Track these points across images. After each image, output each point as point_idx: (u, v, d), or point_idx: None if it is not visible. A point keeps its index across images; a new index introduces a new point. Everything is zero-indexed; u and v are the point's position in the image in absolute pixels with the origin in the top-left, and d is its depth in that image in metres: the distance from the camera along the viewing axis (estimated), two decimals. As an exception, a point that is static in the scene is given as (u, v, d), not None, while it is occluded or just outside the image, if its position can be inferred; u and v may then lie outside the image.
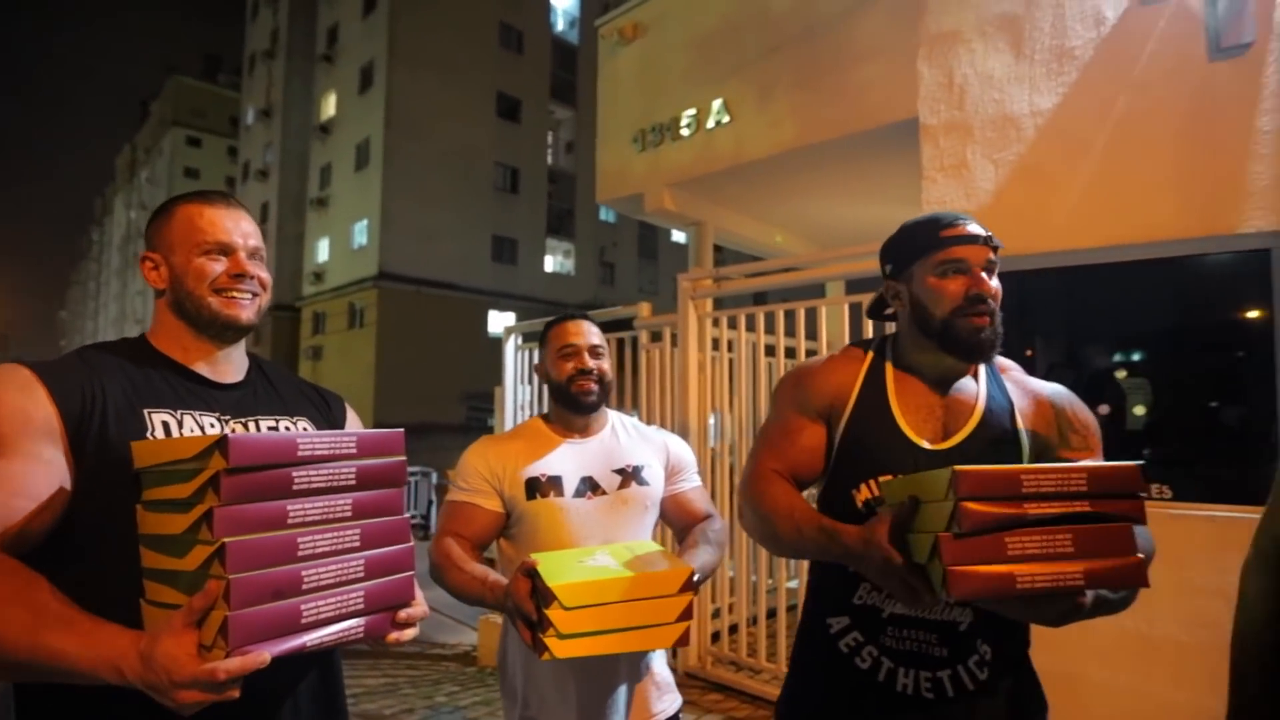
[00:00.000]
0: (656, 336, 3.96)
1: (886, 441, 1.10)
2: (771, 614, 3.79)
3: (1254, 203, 2.38)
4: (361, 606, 0.82)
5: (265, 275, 1.05)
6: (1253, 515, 2.37)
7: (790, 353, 3.59)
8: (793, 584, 4.12)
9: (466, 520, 1.46)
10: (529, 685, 1.45)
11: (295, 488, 0.78)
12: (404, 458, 0.88)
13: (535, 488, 1.46)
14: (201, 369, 1.03)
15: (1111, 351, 2.85)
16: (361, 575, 0.82)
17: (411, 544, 0.89)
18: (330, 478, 0.81)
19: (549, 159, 24.88)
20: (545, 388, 1.61)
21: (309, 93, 25.32)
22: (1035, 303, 2.90)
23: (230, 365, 1.06)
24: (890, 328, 1.26)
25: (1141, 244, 2.56)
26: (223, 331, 1.02)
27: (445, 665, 4.18)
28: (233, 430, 0.98)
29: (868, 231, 4.97)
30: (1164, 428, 2.70)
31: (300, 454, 0.78)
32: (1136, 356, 2.92)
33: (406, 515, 0.89)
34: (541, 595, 1.13)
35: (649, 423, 3.88)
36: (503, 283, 22.57)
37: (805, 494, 1.15)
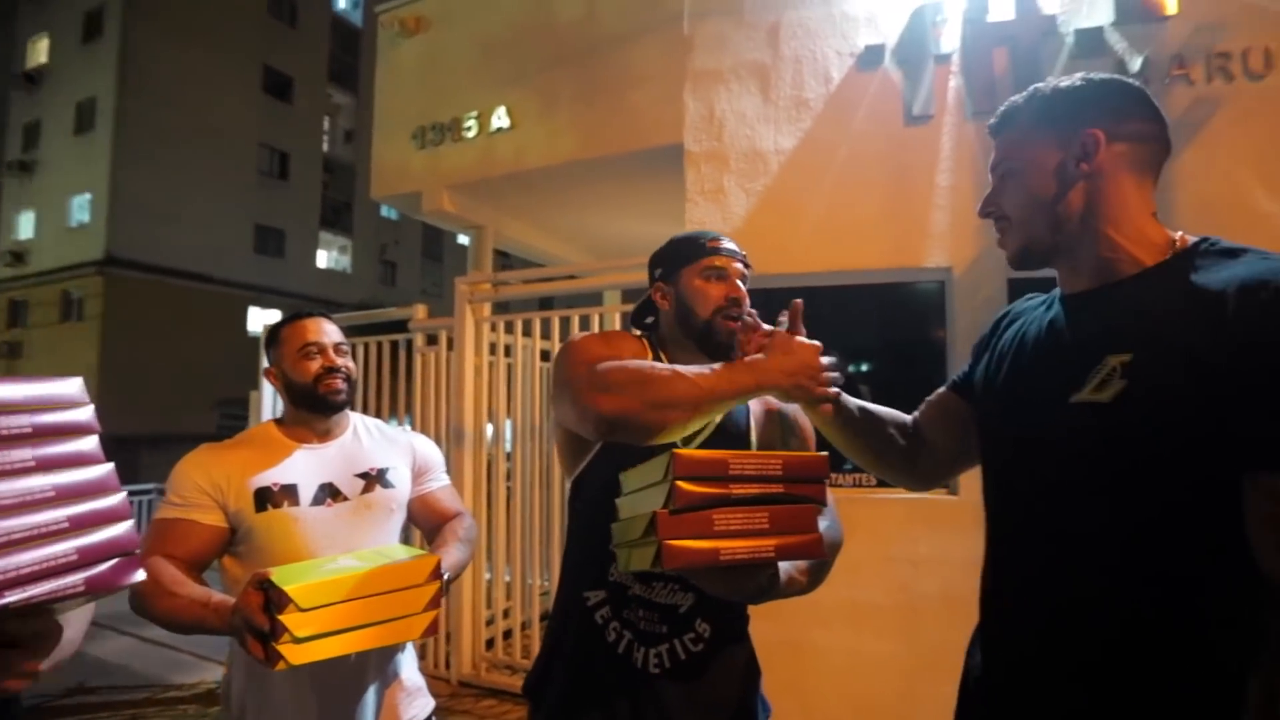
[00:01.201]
0: (433, 340, 3.83)
1: None
2: (546, 616, 3.83)
3: (934, 244, 2.91)
4: (75, 559, 0.77)
5: None
6: (928, 497, 2.89)
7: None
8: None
9: (180, 538, 1.30)
10: (260, 712, 1.32)
11: None
12: (89, 405, 0.82)
13: (266, 498, 1.35)
14: None
15: (842, 363, 3.31)
16: (66, 528, 0.77)
17: (124, 492, 0.83)
18: None
19: (325, 146, 22.88)
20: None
21: (8, 32, 20.70)
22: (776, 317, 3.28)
23: None
24: None
25: (856, 271, 3.01)
26: None
27: (181, 709, 3.64)
28: None
29: (642, 244, 5.24)
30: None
31: None
32: (865, 367, 3.43)
33: (111, 465, 0.83)
34: (275, 603, 1.05)
35: (423, 429, 3.75)
36: (267, 277, 20.28)
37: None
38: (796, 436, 1.29)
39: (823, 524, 1.14)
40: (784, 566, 1.02)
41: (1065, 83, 0.92)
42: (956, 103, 2.93)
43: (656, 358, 1.26)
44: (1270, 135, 2.84)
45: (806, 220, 3.05)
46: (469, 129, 4.49)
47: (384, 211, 23.93)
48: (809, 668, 2.87)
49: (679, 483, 0.88)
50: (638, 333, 1.34)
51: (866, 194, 2.99)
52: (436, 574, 1.18)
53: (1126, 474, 0.79)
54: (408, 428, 3.83)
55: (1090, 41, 2.89)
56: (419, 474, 1.57)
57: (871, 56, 3.03)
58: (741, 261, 1.26)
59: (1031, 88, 0.95)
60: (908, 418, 1.19)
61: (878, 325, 3.21)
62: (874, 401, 1.20)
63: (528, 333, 3.70)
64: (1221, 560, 0.74)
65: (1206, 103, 2.88)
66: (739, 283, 1.23)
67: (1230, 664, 0.72)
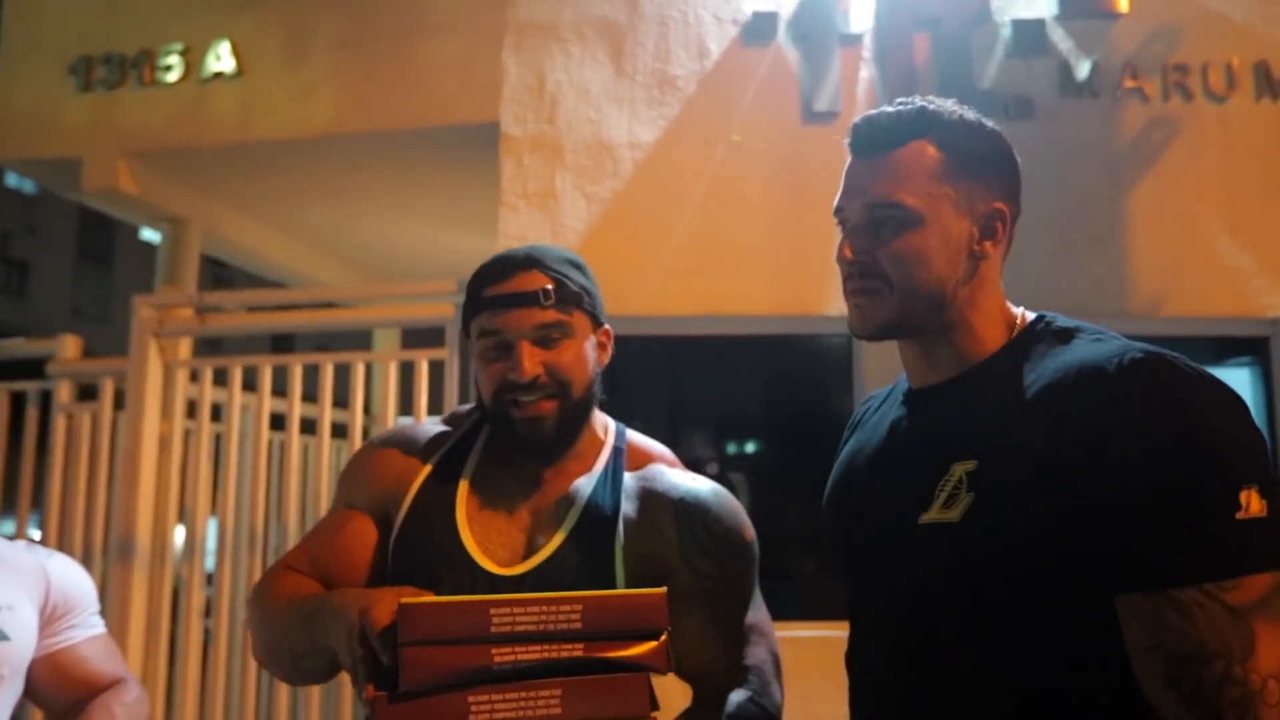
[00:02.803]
0: (90, 393, 3.62)
1: (446, 557, 1.17)
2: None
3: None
4: None
5: None
6: (835, 633, 3.10)
7: (310, 426, 3.60)
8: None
9: None
10: None
11: None
12: None
13: None
14: None
15: (713, 438, 3.49)
16: None
17: None
18: None
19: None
20: None
21: None
22: (630, 374, 3.43)
23: None
24: None
25: (737, 317, 3.24)
26: None
27: None
28: None
29: (436, 265, 5.27)
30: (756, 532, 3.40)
31: None
32: (741, 448, 3.63)
33: None
34: None
35: (63, 539, 3.48)
36: None
37: None
38: (706, 556, 1.23)
39: (737, 698, 1.15)
40: None
41: (969, 122, 1.08)
42: (868, 97, 3.29)
43: (460, 454, 1.27)
44: (1234, 171, 3.43)
45: (669, 243, 3.24)
46: (168, 69, 4.36)
47: (11, 180, 22.19)
48: None
49: (407, 650, 0.87)
50: (463, 423, 1.33)
51: (752, 212, 3.24)
52: None
53: (988, 603, 0.94)
54: (36, 539, 3.54)
55: (1030, 36, 3.37)
56: (53, 618, 1.51)
57: (761, 27, 3.33)
58: (535, 304, 1.20)
59: (920, 105, 1.09)
60: None
61: (765, 392, 3.45)
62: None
63: (252, 386, 3.59)
64: (1104, 685, 0.89)
65: (1164, 125, 3.44)
66: (538, 345, 1.19)
67: None
